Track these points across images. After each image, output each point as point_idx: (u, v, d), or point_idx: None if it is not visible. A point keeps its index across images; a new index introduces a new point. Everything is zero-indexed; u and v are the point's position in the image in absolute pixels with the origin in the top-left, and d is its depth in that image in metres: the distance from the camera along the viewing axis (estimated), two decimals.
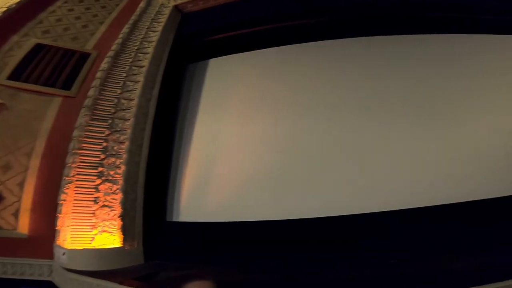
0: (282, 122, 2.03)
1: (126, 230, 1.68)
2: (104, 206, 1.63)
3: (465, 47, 2.13)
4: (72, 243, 1.58)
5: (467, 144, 1.72)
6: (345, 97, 2.07)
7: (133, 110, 1.67)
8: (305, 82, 2.15)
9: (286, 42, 2.32)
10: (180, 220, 2.00)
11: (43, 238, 1.61)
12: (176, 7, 2.32)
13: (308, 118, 2.01)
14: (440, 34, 2.20)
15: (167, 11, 2.23)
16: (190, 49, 2.33)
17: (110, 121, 1.61)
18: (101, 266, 1.58)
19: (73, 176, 1.52)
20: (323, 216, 1.68)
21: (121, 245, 1.66)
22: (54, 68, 1.73)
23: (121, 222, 1.66)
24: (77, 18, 2.09)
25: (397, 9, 2.21)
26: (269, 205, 1.84)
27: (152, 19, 2.16)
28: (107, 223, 1.65)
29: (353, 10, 2.30)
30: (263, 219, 1.79)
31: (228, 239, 1.81)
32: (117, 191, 1.62)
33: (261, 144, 1.99)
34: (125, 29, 2.01)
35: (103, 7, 2.21)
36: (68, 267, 1.53)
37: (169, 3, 2.30)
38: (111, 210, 1.65)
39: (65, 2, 2.17)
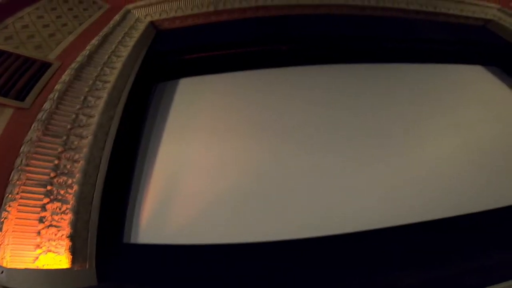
0: (249, 146, 2.06)
1: (76, 251, 1.60)
2: (51, 226, 1.54)
3: (415, 75, 2.61)
4: (12, 261, 1.49)
5: (409, 171, 1.99)
6: (312, 123, 2.20)
7: (93, 127, 1.58)
8: (271, 107, 2.23)
9: (259, 66, 2.40)
10: (139, 242, 1.93)
11: None
12: (152, 23, 2.30)
13: (273, 143, 2.08)
14: (393, 64, 2.66)
15: (141, 27, 2.20)
16: (161, 67, 2.30)
17: (65, 137, 1.52)
18: (46, 286, 1.51)
19: (17, 193, 1.43)
20: (287, 239, 1.70)
21: (70, 266, 1.58)
22: (10, 77, 1.60)
23: (70, 243, 1.58)
24: (45, 26, 1.98)
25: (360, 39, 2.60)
26: (232, 229, 1.83)
27: (125, 33, 2.10)
28: (53, 243, 1.57)
29: (324, 39, 2.48)
30: (225, 242, 1.77)
31: (189, 261, 1.77)
32: (67, 211, 1.54)
33: (227, 168, 1.99)
34: (94, 41, 1.94)
35: (75, 16, 2.13)
36: (7, 285, 1.45)
37: (145, 18, 2.28)
38: (59, 230, 1.56)
39: (37, 9, 2.07)
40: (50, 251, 1.56)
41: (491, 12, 2.97)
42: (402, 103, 2.35)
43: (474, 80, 2.74)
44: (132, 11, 2.31)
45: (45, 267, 1.55)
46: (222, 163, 2.00)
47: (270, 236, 1.72)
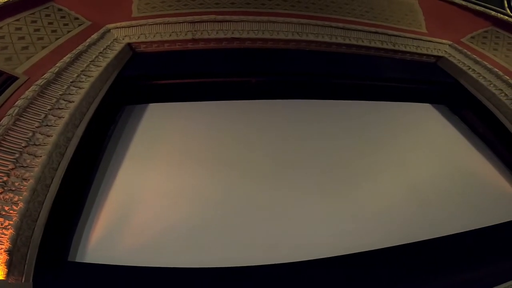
0: (208, 176, 2.11)
1: (12, 265, 1.60)
2: None
3: (371, 113, 2.75)
4: None
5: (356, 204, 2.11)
6: (273, 156, 2.29)
7: (48, 147, 1.59)
8: (235, 139, 2.31)
9: (227, 97, 2.48)
10: (86, 261, 1.91)
11: None
12: (129, 45, 2.35)
13: (232, 174, 2.14)
14: (351, 101, 2.83)
15: (118, 47, 2.24)
16: (131, 90, 2.33)
17: (17, 155, 1.52)
18: None
19: None
20: (237, 265, 1.76)
21: (4, 278, 1.59)
22: None
23: (7, 257, 1.58)
24: (21, 38, 1.98)
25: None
26: (182, 254, 1.86)
27: (100, 52, 2.13)
28: None
29: (290, 74, 2.61)
30: (174, 266, 1.80)
31: (136, 282, 1.78)
32: (8, 226, 1.54)
33: (183, 195, 2.03)
34: (66, 58, 1.96)
35: (54, 31, 2.13)
36: None
37: (123, 39, 2.33)
38: None
39: (17, 20, 2.07)
40: None
41: (443, 49, 3.00)
42: (353, 140, 2.50)
43: (422, 118, 2.87)
44: (111, 30, 2.35)
45: None
46: (179, 190, 2.04)
47: (221, 263, 1.77)
